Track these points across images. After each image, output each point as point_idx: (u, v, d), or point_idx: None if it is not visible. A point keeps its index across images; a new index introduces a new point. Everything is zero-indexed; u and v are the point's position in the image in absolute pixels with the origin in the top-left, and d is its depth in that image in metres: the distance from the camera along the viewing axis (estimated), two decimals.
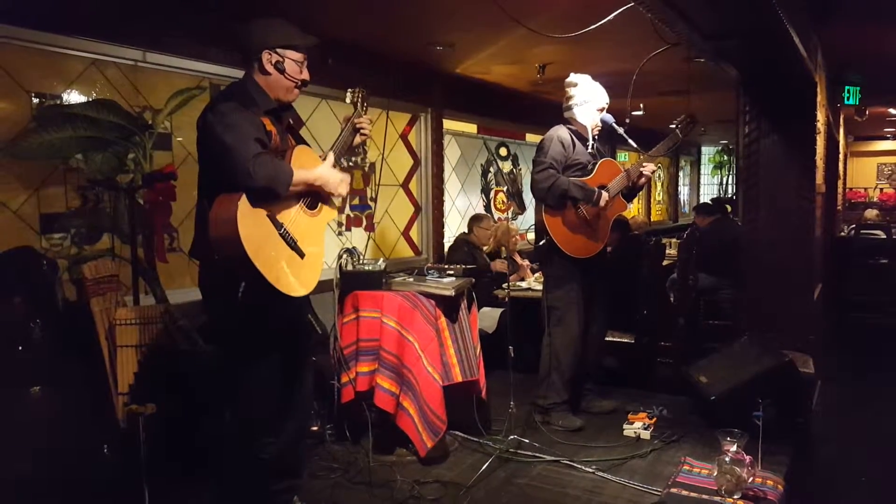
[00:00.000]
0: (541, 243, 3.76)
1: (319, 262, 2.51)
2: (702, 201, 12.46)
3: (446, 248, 5.83)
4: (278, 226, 2.33)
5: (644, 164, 3.82)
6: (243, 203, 2.22)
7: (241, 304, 2.29)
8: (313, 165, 2.48)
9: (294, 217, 2.40)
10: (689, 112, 3.91)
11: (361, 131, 2.65)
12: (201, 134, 2.36)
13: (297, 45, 2.47)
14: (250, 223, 2.23)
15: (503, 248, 5.63)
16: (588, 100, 3.78)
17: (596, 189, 3.68)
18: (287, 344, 2.53)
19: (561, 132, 3.77)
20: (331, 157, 2.50)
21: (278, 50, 2.43)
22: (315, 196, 2.48)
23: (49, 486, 2.52)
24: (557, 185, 3.62)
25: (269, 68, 2.43)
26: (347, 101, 2.68)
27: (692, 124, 3.89)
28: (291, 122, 2.60)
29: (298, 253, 2.38)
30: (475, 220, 5.62)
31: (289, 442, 2.60)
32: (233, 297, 2.27)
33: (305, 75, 2.51)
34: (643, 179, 3.85)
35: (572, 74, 3.85)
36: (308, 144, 2.62)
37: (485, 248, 5.59)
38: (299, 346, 2.65)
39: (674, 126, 3.87)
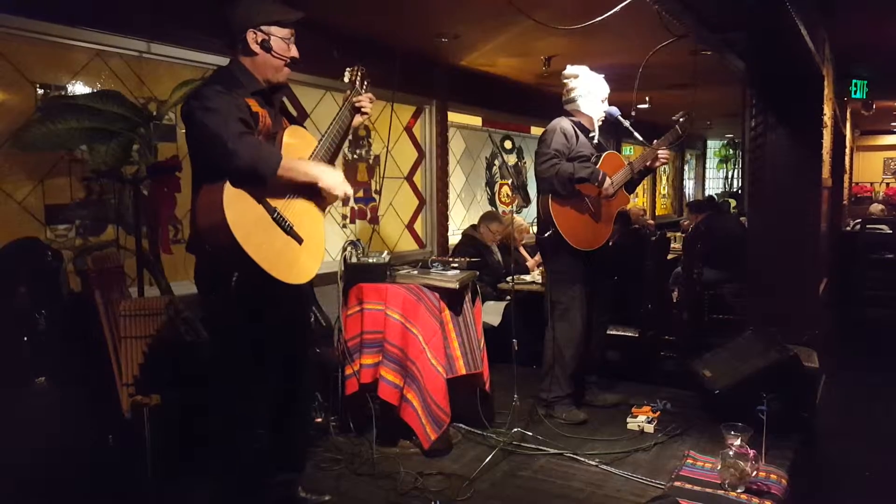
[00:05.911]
0: (545, 235, 3.74)
1: (320, 247, 2.39)
2: (707, 194, 12.48)
3: (451, 242, 5.80)
4: (270, 210, 2.20)
5: (658, 149, 3.79)
6: (228, 187, 2.10)
7: (235, 296, 2.19)
8: (307, 147, 2.38)
9: (288, 201, 2.28)
10: (688, 109, 3.91)
11: (362, 110, 2.54)
12: (185, 122, 2.26)
13: (281, 20, 2.35)
14: (238, 208, 2.10)
15: (510, 242, 5.59)
16: (591, 90, 3.77)
17: (601, 170, 3.64)
18: (286, 337, 2.48)
19: (563, 123, 3.75)
20: (319, 153, 2.39)
21: (262, 28, 2.31)
22: (310, 190, 2.36)
23: (53, 477, 2.53)
24: (563, 170, 3.59)
25: (255, 48, 2.32)
26: (346, 79, 2.56)
27: (689, 122, 3.88)
28: (285, 100, 2.50)
29: (296, 238, 2.27)
30: (487, 218, 5.39)
31: (288, 435, 2.59)
32: (227, 290, 2.17)
33: (294, 52, 2.39)
34: (658, 163, 3.83)
35: (569, 66, 3.83)
36: (304, 126, 2.53)
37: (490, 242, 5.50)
38: (298, 339, 2.59)
39: (675, 123, 3.86)
